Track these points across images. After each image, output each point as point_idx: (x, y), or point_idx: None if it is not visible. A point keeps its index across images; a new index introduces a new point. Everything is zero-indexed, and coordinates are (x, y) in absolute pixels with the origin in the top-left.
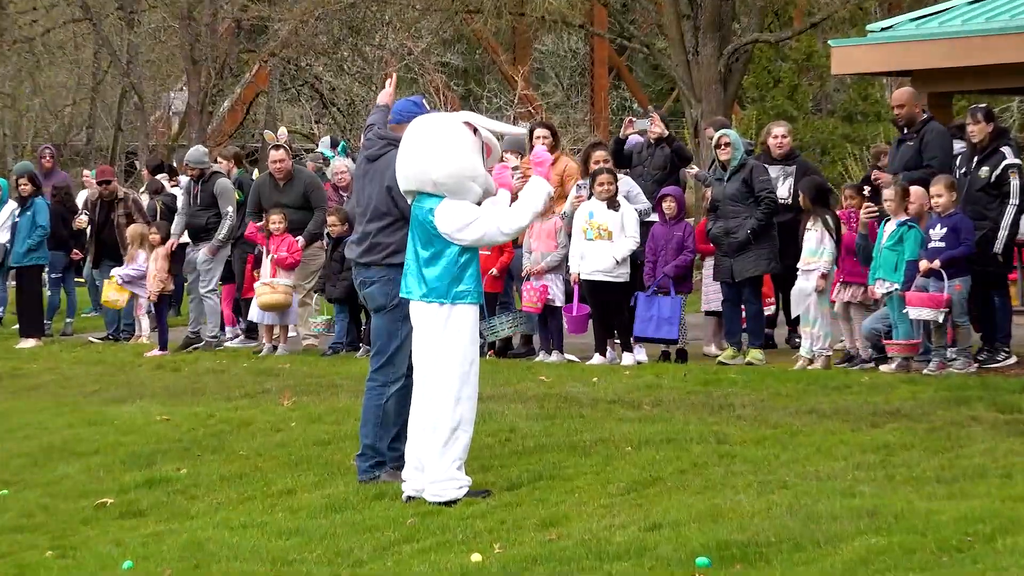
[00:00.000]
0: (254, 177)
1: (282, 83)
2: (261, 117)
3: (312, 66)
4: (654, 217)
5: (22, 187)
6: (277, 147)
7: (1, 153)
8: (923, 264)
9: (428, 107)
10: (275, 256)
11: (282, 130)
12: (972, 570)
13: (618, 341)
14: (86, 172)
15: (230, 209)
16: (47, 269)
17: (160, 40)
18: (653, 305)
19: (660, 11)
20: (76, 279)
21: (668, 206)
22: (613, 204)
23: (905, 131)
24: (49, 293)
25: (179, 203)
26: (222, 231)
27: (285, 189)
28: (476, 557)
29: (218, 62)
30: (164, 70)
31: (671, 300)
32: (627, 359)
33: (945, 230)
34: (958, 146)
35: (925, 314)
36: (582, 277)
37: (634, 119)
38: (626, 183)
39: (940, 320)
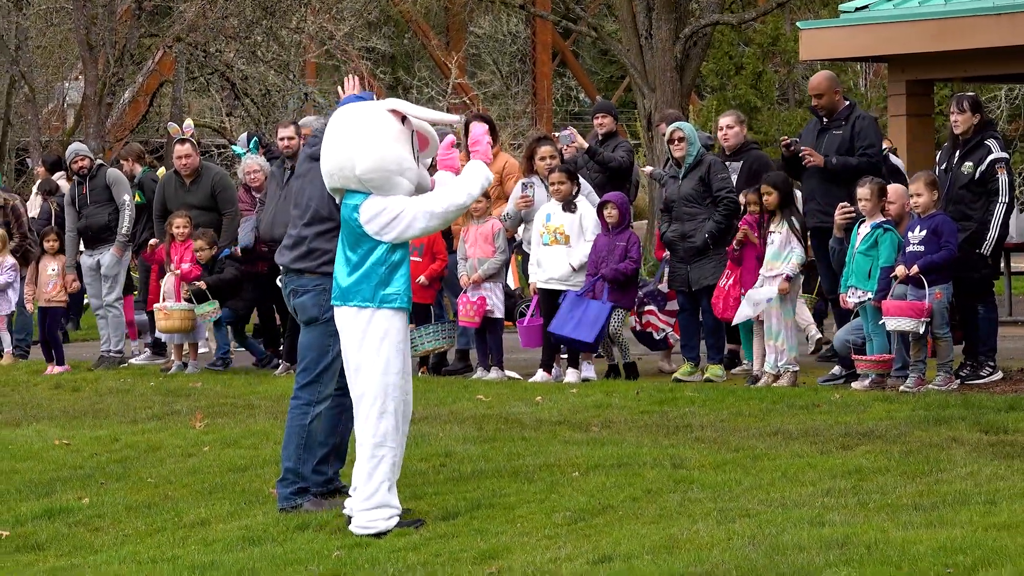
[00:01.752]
0: (157, 176)
1: (189, 71)
2: (166, 109)
3: (222, 52)
4: None
5: None
6: (182, 141)
7: None
8: (899, 270)
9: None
10: (178, 270)
11: (188, 122)
12: None
13: (565, 356)
14: None
15: (127, 198)
16: None
17: (52, 23)
18: (580, 306)
19: None
20: None
21: (609, 214)
22: (569, 206)
23: (825, 120)
24: None
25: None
26: (123, 224)
27: (192, 188)
28: None
29: (117, 48)
30: (57, 57)
31: (599, 304)
32: (572, 376)
33: (925, 232)
34: None
35: (904, 324)
36: (538, 285)
37: (557, 134)
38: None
39: (921, 331)
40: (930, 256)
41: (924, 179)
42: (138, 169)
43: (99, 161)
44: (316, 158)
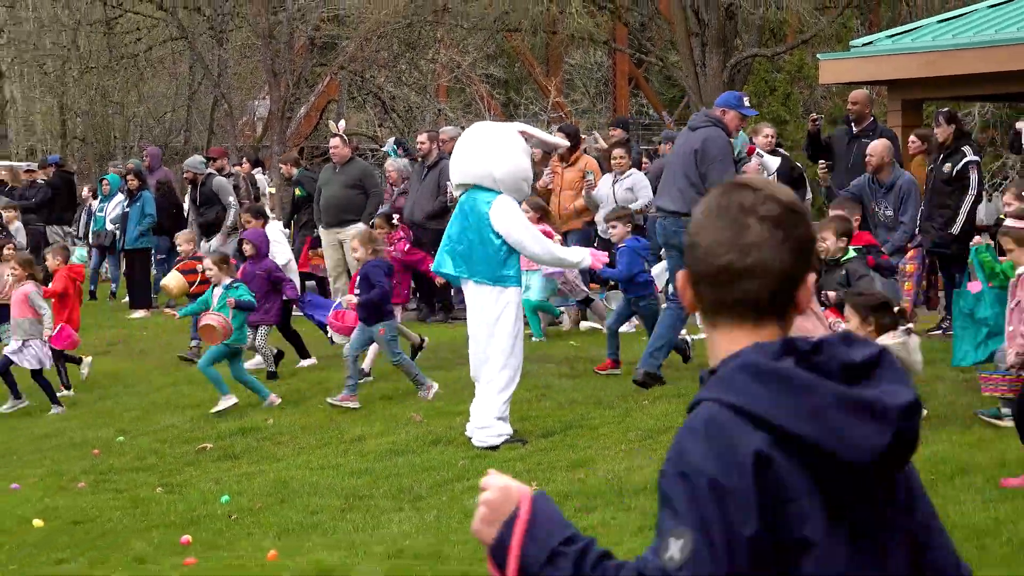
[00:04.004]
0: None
1: (350, 92)
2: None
3: (375, 78)
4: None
5: (130, 182)
6: (334, 135)
7: (112, 153)
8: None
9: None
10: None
11: (341, 122)
12: (936, 502)
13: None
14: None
15: (231, 199)
16: (153, 251)
17: (246, 56)
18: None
19: (672, 29)
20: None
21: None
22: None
23: (855, 129)
24: (155, 272)
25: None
26: (228, 218)
27: (342, 172)
28: None
29: (295, 75)
30: (249, 81)
31: None
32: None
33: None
34: None
35: None
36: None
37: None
38: (635, 178)
39: None
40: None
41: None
42: (294, 171)
43: (209, 171)
44: (694, 128)
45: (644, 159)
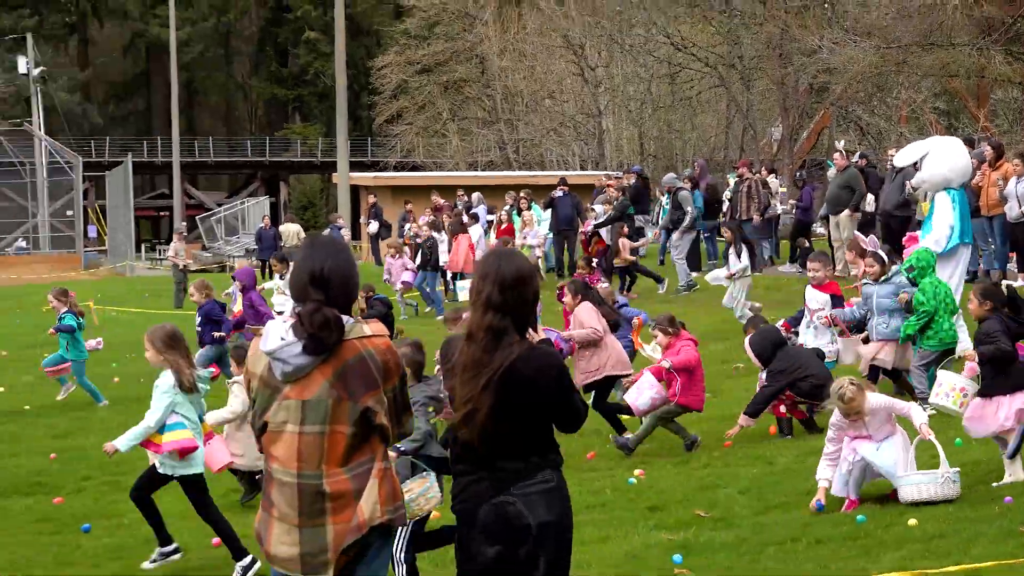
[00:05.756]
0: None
1: (837, 121)
2: (824, 143)
3: (855, 111)
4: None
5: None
6: (836, 151)
7: (673, 165)
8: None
9: None
10: None
11: (843, 141)
12: None
13: None
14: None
15: (690, 208)
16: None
17: (765, 97)
18: None
19: None
20: None
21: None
22: None
23: None
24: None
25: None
26: (686, 221)
27: (839, 176)
28: None
29: (799, 109)
30: (768, 114)
31: None
32: None
33: None
34: None
35: None
36: None
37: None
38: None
39: None
40: None
41: None
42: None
43: (680, 185)
44: None
45: None
